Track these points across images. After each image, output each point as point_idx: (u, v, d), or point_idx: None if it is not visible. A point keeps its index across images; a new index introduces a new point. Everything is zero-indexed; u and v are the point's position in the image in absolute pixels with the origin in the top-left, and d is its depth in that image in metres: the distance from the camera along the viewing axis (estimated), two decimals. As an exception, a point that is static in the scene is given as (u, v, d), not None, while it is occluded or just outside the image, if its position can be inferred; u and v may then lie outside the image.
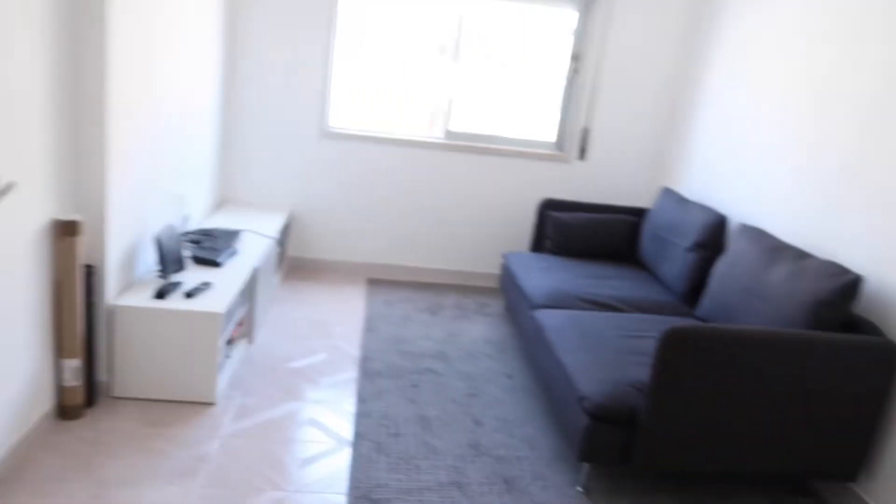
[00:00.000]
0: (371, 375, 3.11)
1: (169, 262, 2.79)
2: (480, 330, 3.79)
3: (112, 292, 2.62)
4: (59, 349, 2.45)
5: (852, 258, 2.58)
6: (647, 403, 2.19)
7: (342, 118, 4.29)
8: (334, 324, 3.67)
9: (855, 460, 2.34)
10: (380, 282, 4.39)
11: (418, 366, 3.26)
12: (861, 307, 2.53)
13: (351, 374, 3.13)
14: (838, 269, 2.36)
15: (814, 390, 2.22)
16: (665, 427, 2.22)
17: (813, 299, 2.35)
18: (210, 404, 2.73)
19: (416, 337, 3.59)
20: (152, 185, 2.93)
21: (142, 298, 2.65)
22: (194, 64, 3.34)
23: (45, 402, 2.43)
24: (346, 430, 2.67)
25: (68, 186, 2.40)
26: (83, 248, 2.49)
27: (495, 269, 4.55)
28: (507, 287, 3.73)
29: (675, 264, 3.35)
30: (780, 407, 2.23)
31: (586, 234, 3.83)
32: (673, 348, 2.12)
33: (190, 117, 3.39)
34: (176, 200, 3.27)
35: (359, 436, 2.62)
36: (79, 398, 2.52)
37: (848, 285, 2.30)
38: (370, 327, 3.65)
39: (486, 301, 4.24)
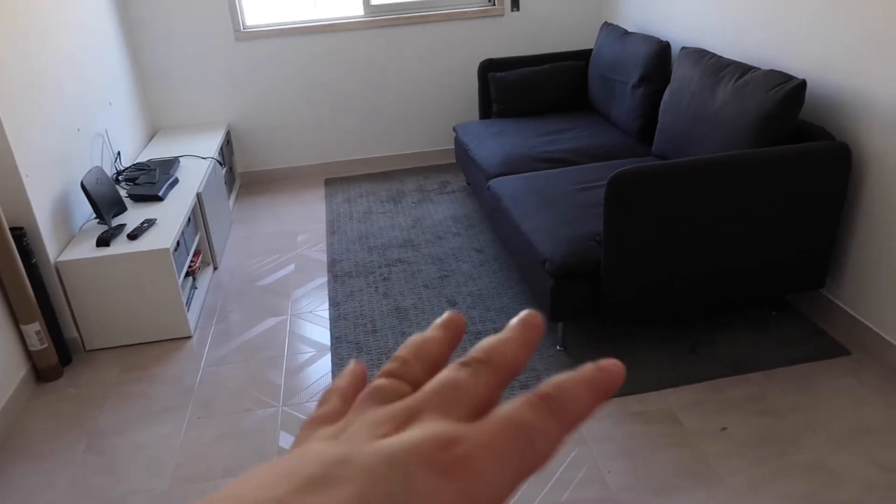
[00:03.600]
0: (341, 277, 3.09)
1: (104, 206, 2.68)
2: (445, 209, 3.73)
3: (54, 250, 2.53)
4: (16, 316, 2.40)
5: (797, 63, 2.48)
6: (604, 254, 2.17)
7: (256, 14, 3.99)
8: (297, 233, 3.61)
9: (820, 267, 2.35)
10: (337, 180, 4.28)
11: (387, 258, 3.23)
12: (809, 113, 2.46)
13: (321, 280, 3.10)
14: (781, 78, 2.26)
15: (770, 208, 2.19)
16: (626, 274, 2.21)
17: (758, 115, 2.27)
18: (186, 338, 2.72)
19: (381, 229, 3.54)
20: (65, 133, 2.76)
21: (84, 250, 2.56)
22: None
23: (19, 370, 2.42)
24: (325, 336, 2.68)
25: (-31, 151, 2.26)
26: (4, 212, 2.38)
27: (452, 144, 4.42)
28: (463, 161, 3.64)
29: (625, 104, 3.23)
30: (739, 231, 2.21)
31: (532, 90, 3.67)
32: (619, 195, 2.07)
33: (85, 52, 3.14)
34: (99, 141, 3.09)
35: (337, 339, 2.63)
36: (52, 359, 2.50)
37: (791, 93, 2.21)
38: (334, 229, 3.59)
39: (447, 179, 4.16)
